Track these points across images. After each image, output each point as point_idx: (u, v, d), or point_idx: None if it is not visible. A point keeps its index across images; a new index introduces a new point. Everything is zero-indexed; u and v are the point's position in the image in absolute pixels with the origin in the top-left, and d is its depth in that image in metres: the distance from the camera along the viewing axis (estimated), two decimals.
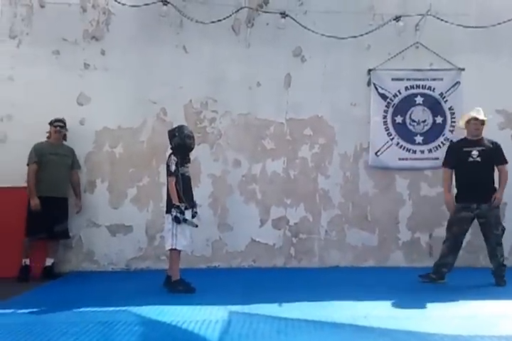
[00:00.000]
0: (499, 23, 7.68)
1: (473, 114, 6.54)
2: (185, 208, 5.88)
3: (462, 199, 6.47)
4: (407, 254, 7.74)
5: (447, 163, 6.72)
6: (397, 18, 7.75)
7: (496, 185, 6.52)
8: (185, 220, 5.83)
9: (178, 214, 5.80)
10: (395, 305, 5.45)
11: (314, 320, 4.81)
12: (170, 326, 4.66)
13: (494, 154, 6.47)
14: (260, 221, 7.61)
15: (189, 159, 6.17)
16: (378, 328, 4.55)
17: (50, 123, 7.11)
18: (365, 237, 7.72)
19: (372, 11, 7.88)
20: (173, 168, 5.93)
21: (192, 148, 6.13)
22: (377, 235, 7.73)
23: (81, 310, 5.23)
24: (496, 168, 6.54)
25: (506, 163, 6.56)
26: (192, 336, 4.40)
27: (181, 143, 6.01)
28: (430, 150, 7.87)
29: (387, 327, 4.56)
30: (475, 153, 6.41)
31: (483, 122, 6.53)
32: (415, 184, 7.83)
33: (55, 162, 6.99)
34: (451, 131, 7.85)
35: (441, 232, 7.61)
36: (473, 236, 7.54)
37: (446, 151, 6.89)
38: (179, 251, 5.99)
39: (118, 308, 5.25)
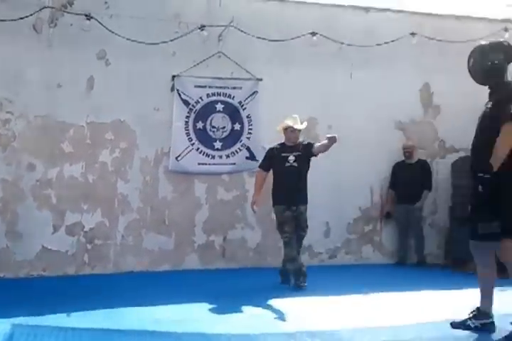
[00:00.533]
0: (292, 38, 8.14)
1: (290, 123, 6.85)
2: None
3: (283, 201, 6.76)
4: (202, 257, 8.03)
5: (262, 166, 7.10)
6: (201, 27, 7.93)
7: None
8: None
9: None
10: (187, 308, 5.56)
11: (103, 328, 4.81)
12: None
13: (308, 152, 6.79)
14: (53, 227, 7.44)
15: None
16: (168, 332, 4.66)
17: None
18: (162, 241, 7.88)
19: (178, 18, 7.95)
20: None
21: None
22: (174, 239, 7.93)
23: None
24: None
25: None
26: None
27: None
28: (228, 156, 8.22)
29: (178, 331, 4.67)
30: (291, 158, 6.77)
31: (299, 130, 6.90)
32: (213, 188, 8.14)
33: None
34: (248, 138, 8.26)
35: (234, 235, 8.16)
36: (263, 237, 8.14)
37: (265, 155, 7.19)
38: None
39: None
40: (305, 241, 7.21)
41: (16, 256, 7.32)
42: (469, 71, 4.40)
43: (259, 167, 7.26)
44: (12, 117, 7.42)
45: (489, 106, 4.27)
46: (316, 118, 8.37)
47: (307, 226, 6.85)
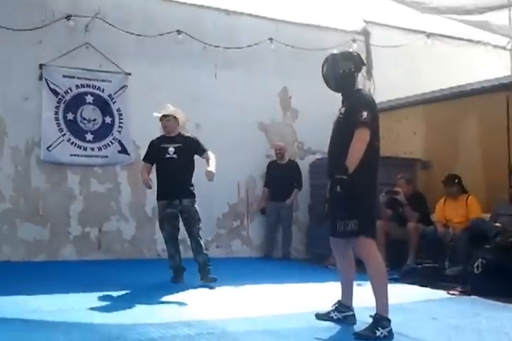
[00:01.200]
0: (161, 34, 8.32)
1: (161, 112, 6.42)
2: None
3: (164, 196, 6.29)
4: (78, 248, 7.82)
5: (145, 158, 6.55)
6: (68, 17, 7.87)
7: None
8: None
9: None
10: (64, 298, 5.38)
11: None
12: None
13: (192, 148, 6.40)
14: None
15: None
16: (48, 321, 4.50)
17: None
18: (37, 231, 7.58)
19: (43, 6, 7.82)
20: None
21: None
22: (49, 229, 7.66)
23: None
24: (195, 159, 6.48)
25: (207, 150, 6.45)
26: None
27: None
28: (100, 148, 8.14)
29: (57, 320, 4.54)
30: (171, 149, 6.28)
31: (174, 117, 6.39)
32: (86, 180, 8.00)
33: None
34: (119, 132, 8.24)
35: (109, 226, 8.08)
36: (137, 229, 8.12)
37: (148, 147, 6.57)
38: None
39: None
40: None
41: None
42: (323, 78, 4.57)
43: (143, 160, 6.64)
44: None
45: (342, 111, 4.41)
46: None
47: (199, 220, 6.30)
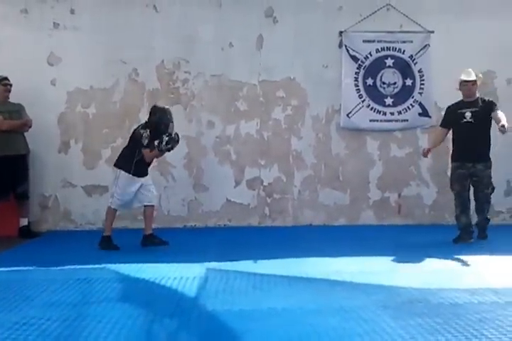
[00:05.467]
0: None
1: (463, 77, 6.59)
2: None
3: (457, 158, 6.65)
4: (377, 213, 7.94)
5: (441, 123, 6.91)
6: None
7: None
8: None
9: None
10: (366, 261, 5.57)
11: (288, 275, 4.96)
12: (148, 282, 4.79)
13: (487, 112, 6.50)
14: (235, 181, 7.71)
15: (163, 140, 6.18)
16: (350, 282, 4.72)
17: None
18: (337, 197, 7.89)
19: None
20: (145, 141, 6.07)
21: (162, 133, 6.13)
22: (349, 195, 7.91)
23: (60, 268, 5.31)
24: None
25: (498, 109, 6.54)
26: (170, 292, 4.52)
27: (155, 126, 6.12)
28: (400, 112, 7.99)
29: (358, 282, 4.72)
30: (468, 114, 6.52)
31: (474, 82, 6.56)
32: (385, 145, 7.98)
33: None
34: (420, 94, 7.97)
35: (409, 192, 7.99)
36: (438, 194, 7.85)
37: (445, 113, 6.97)
38: (114, 209, 6.28)
39: (97, 266, 5.36)
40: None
41: (204, 207, 7.70)
42: None
43: (439, 125, 7.03)
44: (190, 77, 7.72)
45: None
46: (494, 72, 7.89)
47: (490, 184, 6.59)
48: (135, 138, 6.17)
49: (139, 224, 6.69)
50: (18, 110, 6.99)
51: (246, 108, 7.75)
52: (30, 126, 7.00)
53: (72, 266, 5.35)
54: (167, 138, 6.09)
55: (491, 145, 6.62)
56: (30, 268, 5.34)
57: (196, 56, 7.64)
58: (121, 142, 7.39)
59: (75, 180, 7.56)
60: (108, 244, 6.20)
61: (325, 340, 3.38)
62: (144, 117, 7.30)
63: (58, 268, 5.31)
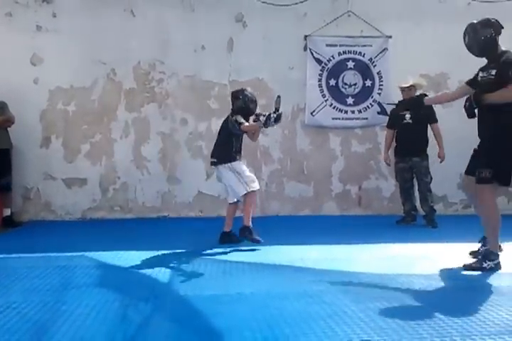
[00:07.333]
0: None
1: (402, 85, 7.46)
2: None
3: (398, 153, 7.64)
4: (339, 204, 8.50)
5: (387, 124, 7.87)
6: None
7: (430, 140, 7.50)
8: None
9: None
10: (328, 248, 5.83)
11: (256, 262, 5.21)
12: (124, 269, 4.97)
13: (425, 115, 7.29)
14: (206, 174, 8.13)
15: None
16: (313, 268, 4.95)
17: None
18: (302, 189, 8.43)
19: None
20: (241, 120, 5.98)
21: (253, 113, 6.15)
22: (313, 187, 8.45)
23: (41, 255, 5.50)
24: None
25: (436, 121, 7.47)
26: (144, 278, 4.69)
27: (244, 106, 6.11)
28: (360, 111, 8.56)
29: (321, 268, 4.96)
30: (407, 116, 7.45)
31: (410, 88, 7.36)
32: (347, 141, 8.54)
33: None
34: (379, 94, 8.54)
35: (368, 184, 8.54)
36: (396, 187, 8.40)
37: (389, 116, 7.91)
38: (231, 203, 6.26)
39: (76, 253, 5.51)
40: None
41: (177, 198, 8.16)
42: (466, 47, 4.94)
43: (386, 126, 7.92)
44: (164, 77, 8.16)
45: (492, 73, 4.78)
46: (447, 73, 8.49)
47: (428, 173, 7.45)
48: (227, 127, 6.09)
49: (116, 215, 7.05)
50: (1, 107, 7.30)
51: (217, 106, 8.18)
52: (13, 122, 7.35)
53: (52, 254, 5.50)
54: (275, 115, 5.90)
55: (429, 140, 7.47)
56: (12, 255, 5.48)
57: (171, 58, 8.09)
58: (100, 138, 7.91)
59: (56, 173, 7.95)
60: (230, 238, 6.13)
61: (290, 323, 3.47)
62: (121, 114, 7.81)
63: (39, 255, 5.48)
